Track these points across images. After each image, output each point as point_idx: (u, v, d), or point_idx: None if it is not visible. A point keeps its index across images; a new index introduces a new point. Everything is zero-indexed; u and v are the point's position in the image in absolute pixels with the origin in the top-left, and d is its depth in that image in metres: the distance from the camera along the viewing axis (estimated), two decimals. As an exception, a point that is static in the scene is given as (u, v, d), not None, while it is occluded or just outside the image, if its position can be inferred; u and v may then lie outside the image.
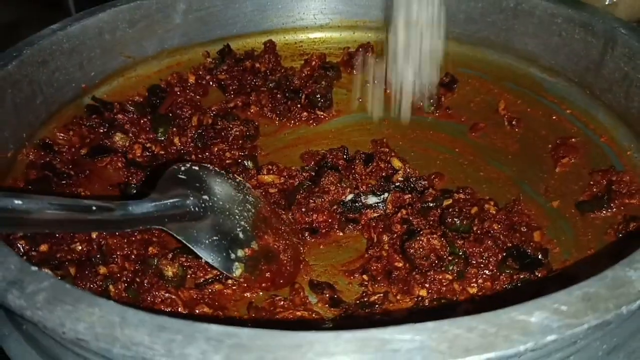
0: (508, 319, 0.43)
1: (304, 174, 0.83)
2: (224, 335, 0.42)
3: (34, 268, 0.48)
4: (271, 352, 0.41)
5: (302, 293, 0.69)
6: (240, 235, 0.71)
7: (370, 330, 0.42)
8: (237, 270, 0.69)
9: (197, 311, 0.66)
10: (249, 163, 0.85)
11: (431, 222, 0.74)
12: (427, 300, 0.66)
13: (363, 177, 0.81)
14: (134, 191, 0.80)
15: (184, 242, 0.68)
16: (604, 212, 0.76)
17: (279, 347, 0.41)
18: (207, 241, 0.69)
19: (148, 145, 0.87)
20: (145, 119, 0.91)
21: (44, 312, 0.44)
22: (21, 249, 0.67)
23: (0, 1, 1.48)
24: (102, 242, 0.70)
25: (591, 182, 0.80)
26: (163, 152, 0.87)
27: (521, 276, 0.67)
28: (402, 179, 0.81)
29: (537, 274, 0.67)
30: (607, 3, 1.04)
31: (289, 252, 0.72)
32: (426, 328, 0.42)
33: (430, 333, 0.42)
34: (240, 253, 0.70)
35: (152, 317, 0.44)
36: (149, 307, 0.65)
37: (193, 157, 0.86)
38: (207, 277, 0.71)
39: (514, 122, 0.92)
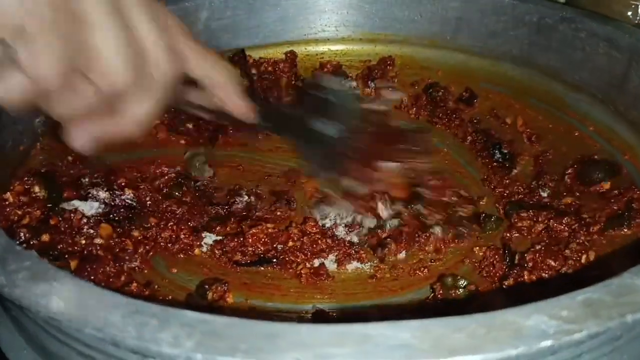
0: (501, 320, 0.41)
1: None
2: (199, 321, 0.41)
3: (19, 247, 0.47)
4: (245, 341, 0.39)
5: None
6: None
7: (351, 324, 0.40)
8: None
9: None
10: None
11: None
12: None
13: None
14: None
15: None
16: (625, 230, 0.72)
17: (254, 336, 0.39)
18: None
19: None
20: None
21: (21, 290, 0.44)
22: (22, 237, 0.66)
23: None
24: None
25: (612, 200, 0.77)
26: None
27: None
28: None
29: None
30: (637, 21, 1.01)
31: None
32: (410, 326, 0.40)
33: (414, 331, 0.39)
34: None
35: (129, 300, 0.42)
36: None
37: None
38: None
39: (533, 138, 0.89)
